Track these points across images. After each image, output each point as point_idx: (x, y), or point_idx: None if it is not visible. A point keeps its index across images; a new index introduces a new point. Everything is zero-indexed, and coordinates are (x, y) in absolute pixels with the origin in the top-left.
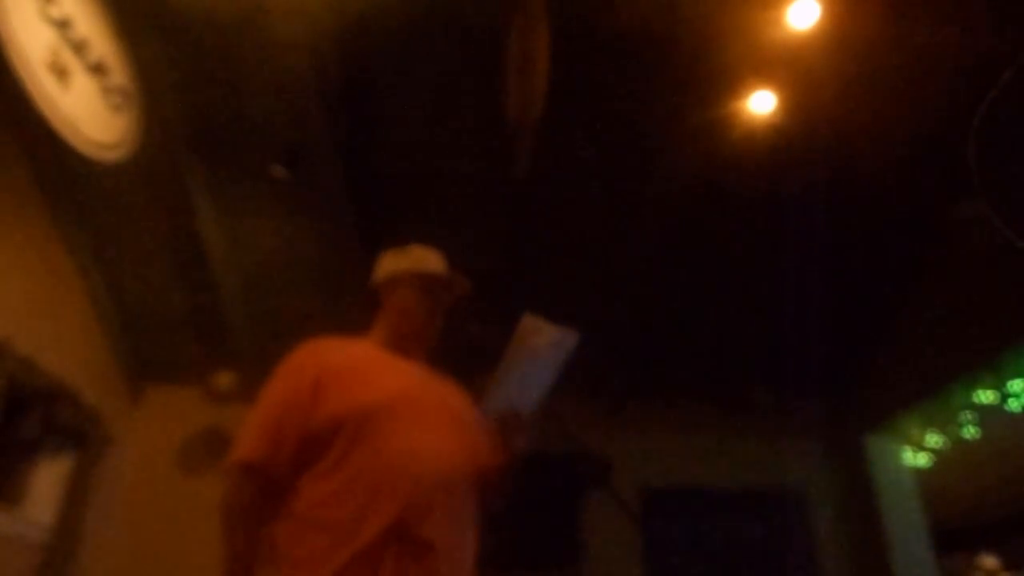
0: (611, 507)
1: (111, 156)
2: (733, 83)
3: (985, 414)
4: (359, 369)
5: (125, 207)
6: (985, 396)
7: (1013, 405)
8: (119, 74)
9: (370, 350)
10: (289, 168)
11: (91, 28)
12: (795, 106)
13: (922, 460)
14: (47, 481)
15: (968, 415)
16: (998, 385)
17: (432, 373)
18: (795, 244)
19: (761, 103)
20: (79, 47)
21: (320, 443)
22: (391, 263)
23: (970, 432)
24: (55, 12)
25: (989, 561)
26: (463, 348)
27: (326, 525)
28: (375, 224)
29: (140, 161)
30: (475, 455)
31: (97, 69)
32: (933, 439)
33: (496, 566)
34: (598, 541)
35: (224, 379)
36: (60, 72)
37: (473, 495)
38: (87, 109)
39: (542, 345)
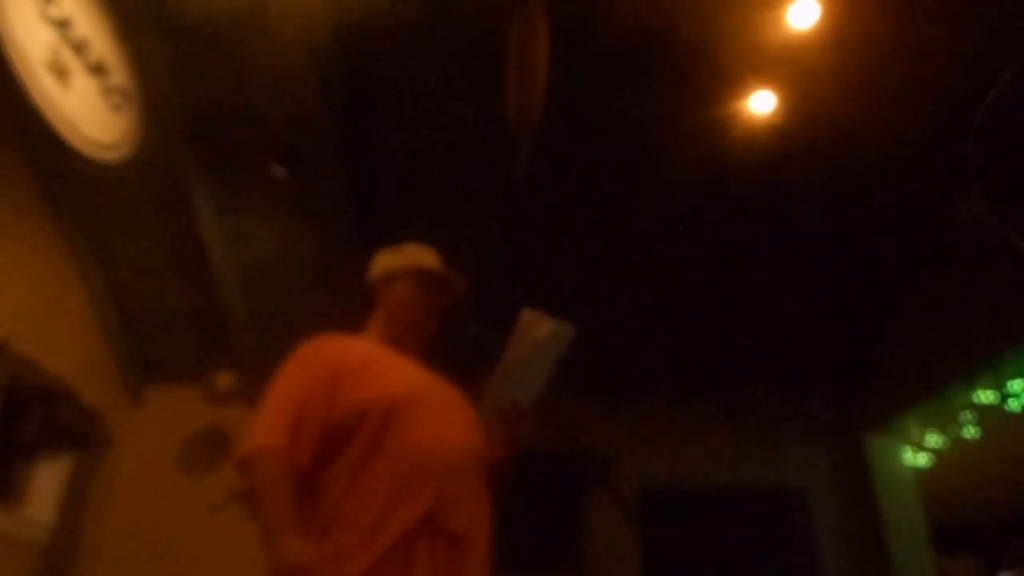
0: (611, 507)
1: (111, 156)
2: (733, 83)
3: (985, 414)
4: (372, 364)
5: (125, 207)
6: (985, 396)
7: (1013, 405)
8: (119, 74)
9: (374, 346)
10: (289, 168)
11: (91, 28)
12: (795, 106)
13: (922, 460)
14: (47, 481)
15: (968, 415)
16: (998, 385)
17: (429, 369)
18: (795, 244)
19: (761, 103)
20: (79, 47)
21: (340, 438)
22: (387, 260)
23: (970, 432)
24: (55, 12)
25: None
26: (463, 348)
27: (354, 520)
28: (375, 224)
29: (140, 161)
30: (483, 447)
31: (97, 69)
32: (933, 439)
33: (496, 566)
34: (598, 541)
35: (224, 379)
36: (60, 72)
37: (487, 484)
38: (87, 109)
39: (542, 338)
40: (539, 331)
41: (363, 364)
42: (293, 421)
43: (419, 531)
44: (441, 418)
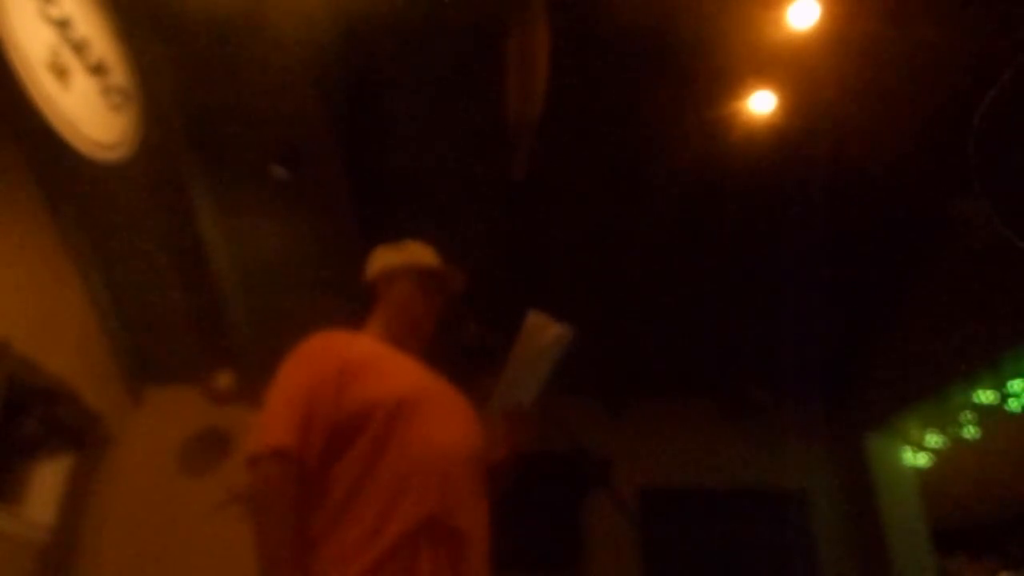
0: (611, 507)
1: (111, 156)
2: (733, 83)
3: (985, 414)
4: (377, 362)
5: (125, 207)
6: (985, 396)
7: (1013, 405)
8: (119, 74)
9: (377, 344)
10: (289, 168)
11: (91, 28)
12: (795, 106)
13: (922, 460)
14: (47, 481)
15: (968, 415)
16: (998, 385)
17: (430, 368)
18: (795, 244)
19: (761, 103)
20: (79, 47)
21: (344, 437)
22: (386, 258)
23: (970, 432)
24: (55, 12)
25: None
26: (463, 348)
27: (358, 518)
28: (375, 223)
29: (140, 161)
30: (483, 448)
31: (97, 69)
32: (933, 439)
33: (496, 566)
34: (598, 541)
35: (224, 379)
36: (60, 72)
37: (485, 486)
38: (87, 109)
39: (548, 341)
40: (547, 334)
41: (368, 362)
42: (303, 419)
43: (422, 531)
44: (444, 419)
